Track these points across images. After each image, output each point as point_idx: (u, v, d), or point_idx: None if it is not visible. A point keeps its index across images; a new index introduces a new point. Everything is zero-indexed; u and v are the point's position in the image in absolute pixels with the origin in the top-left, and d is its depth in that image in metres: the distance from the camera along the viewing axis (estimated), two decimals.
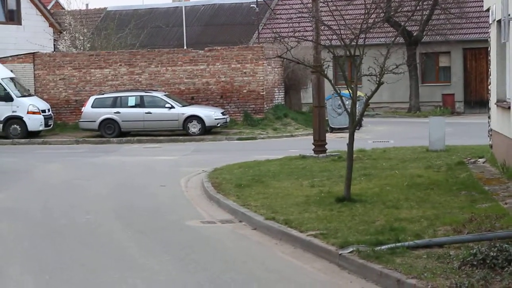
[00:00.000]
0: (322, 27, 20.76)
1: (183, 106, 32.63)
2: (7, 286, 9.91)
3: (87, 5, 53.64)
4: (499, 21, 16.29)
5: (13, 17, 42.26)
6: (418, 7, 38.36)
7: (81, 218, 14.68)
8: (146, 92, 32.84)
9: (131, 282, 9.98)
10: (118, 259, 11.30)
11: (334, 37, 15.52)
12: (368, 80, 14.94)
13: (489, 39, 20.23)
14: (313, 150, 22.52)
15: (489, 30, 20.35)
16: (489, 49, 20.05)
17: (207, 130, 31.93)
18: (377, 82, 14.44)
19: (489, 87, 20.46)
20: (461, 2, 42.99)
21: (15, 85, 32.84)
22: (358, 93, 16.45)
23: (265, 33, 45.20)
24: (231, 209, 14.80)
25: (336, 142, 23.76)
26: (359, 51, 14.81)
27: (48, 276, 10.31)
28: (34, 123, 32.00)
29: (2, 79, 32.18)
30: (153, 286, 9.82)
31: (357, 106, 14.99)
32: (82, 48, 42.84)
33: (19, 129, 31.74)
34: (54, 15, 46.30)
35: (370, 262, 9.83)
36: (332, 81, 15.84)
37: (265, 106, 34.94)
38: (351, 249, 10.43)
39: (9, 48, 39.26)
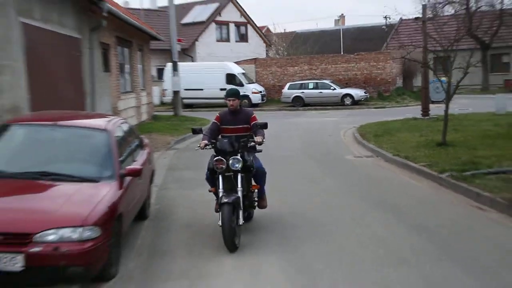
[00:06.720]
0: (429, 39, 19.89)
1: (341, 88, 32.30)
2: None
3: (284, 29, 54.27)
4: None
5: (243, 38, 43.35)
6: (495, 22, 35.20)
7: (282, 152, 14.85)
8: (319, 80, 32.71)
9: (311, 191, 9.86)
10: (305, 177, 11.29)
11: (437, 45, 14.85)
12: (459, 71, 14.17)
13: None
14: (421, 114, 21.74)
15: None
16: None
17: (355, 103, 31.39)
18: (464, 72, 13.69)
19: None
20: None
21: (245, 77, 33.65)
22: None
23: (392, 43, 43.46)
24: (372, 149, 14.59)
25: (435, 110, 22.73)
26: (452, 54, 14.11)
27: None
28: (256, 98, 32.69)
29: (237, 73, 33.14)
30: (325, 194, 9.75)
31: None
32: (282, 55, 43.30)
33: (247, 103, 32.55)
34: (266, 36, 46.96)
35: (459, 182, 9.48)
36: (434, 72, 15.18)
37: (391, 88, 33.98)
38: (447, 174, 10.07)
39: (240, 57, 40.43)
